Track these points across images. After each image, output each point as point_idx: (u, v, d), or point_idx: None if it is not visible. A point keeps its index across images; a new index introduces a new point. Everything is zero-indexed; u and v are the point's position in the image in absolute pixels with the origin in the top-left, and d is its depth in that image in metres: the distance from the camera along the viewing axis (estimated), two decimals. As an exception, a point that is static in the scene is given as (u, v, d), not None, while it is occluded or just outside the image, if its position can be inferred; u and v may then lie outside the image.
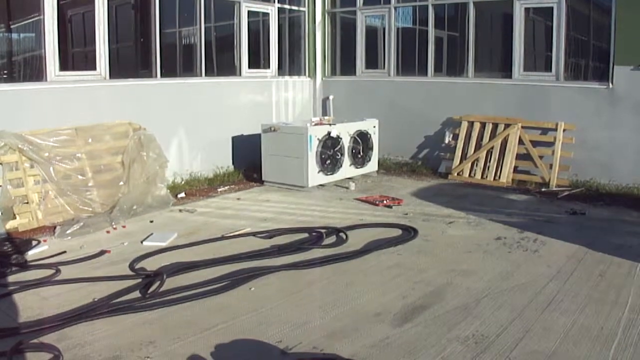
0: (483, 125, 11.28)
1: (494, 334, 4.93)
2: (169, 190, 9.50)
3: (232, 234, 7.74)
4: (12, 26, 9.26)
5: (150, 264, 6.59)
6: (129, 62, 10.71)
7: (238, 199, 9.91)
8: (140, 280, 6.09)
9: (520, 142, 10.80)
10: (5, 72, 9.05)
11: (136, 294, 5.76)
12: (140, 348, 4.75)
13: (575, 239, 7.42)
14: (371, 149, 11.43)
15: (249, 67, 12.11)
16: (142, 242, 7.43)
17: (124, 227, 8.14)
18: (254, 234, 7.74)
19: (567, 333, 4.94)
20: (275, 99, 12.66)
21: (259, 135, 10.80)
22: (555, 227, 8.06)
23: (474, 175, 11.14)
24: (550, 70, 10.77)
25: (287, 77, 13.03)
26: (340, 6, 13.54)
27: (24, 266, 6.53)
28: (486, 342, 4.80)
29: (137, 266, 6.53)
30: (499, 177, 10.83)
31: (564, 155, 10.41)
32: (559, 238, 7.49)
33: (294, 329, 5.08)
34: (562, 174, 10.44)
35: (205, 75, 11.23)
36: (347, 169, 10.97)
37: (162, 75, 10.40)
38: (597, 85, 10.30)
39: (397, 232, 7.85)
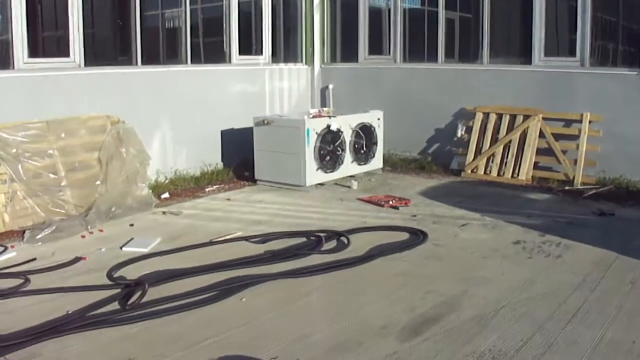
0: (500, 116, 11.28)
1: (513, 349, 4.91)
2: (151, 191, 9.49)
3: (221, 239, 7.74)
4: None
5: (131, 272, 6.57)
6: (106, 48, 10.69)
7: (228, 199, 9.91)
8: (119, 290, 6.07)
9: (541, 135, 10.80)
10: (-33, 59, 9.05)
11: (115, 306, 5.74)
12: (119, 366, 4.75)
13: (603, 243, 7.40)
14: (375, 143, 11.43)
15: (240, 53, 12.09)
16: (121, 248, 7.41)
17: (101, 231, 8.13)
18: (245, 239, 7.74)
19: (595, 348, 4.92)
20: (269, 89, 12.66)
21: (251, 129, 10.80)
22: (580, 229, 8.05)
23: (490, 172, 11.14)
24: (575, 55, 10.76)
25: (281, 65, 13.02)
26: (340, -15, 13.58)
27: (-10, 275, 6.52)
28: (504, 359, 4.78)
29: (116, 275, 6.50)
30: (518, 175, 10.82)
31: (589, 150, 10.40)
32: (585, 242, 7.48)
33: (291, 343, 5.06)
34: (588, 171, 10.44)
35: (191, 62, 11.21)
36: (348, 166, 10.97)
37: (143, 63, 10.38)
38: (626, 72, 10.28)
39: (405, 235, 7.85)
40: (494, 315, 5.52)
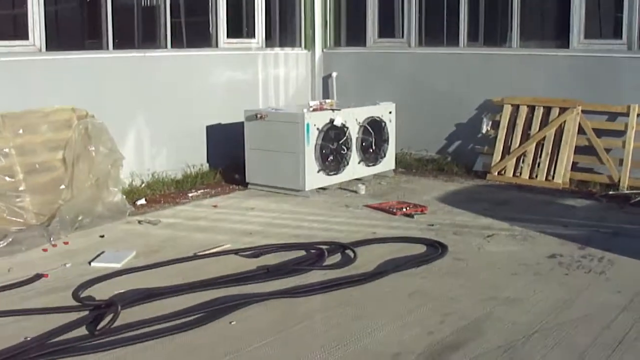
0: (532, 109, 11.28)
1: (548, 382, 4.91)
2: (124, 196, 9.50)
3: (207, 252, 7.74)
4: None
5: (101, 292, 6.56)
6: (72, 30, 10.71)
7: (215, 206, 9.93)
8: (87, 312, 6.06)
9: (581, 131, 10.81)
10: None
11: (82, 331, 5.72)
12: (86, 401, 4.75)
13: (653, 257, 7.44)
14: (386, 141, 11.45)
15: (228, 36, 12.11)
16: (89, 263, 7.42)
17: (65, 243, 8.14)
18: (235, 252, 7.75)
19: (644, 380, 4.93)
20: (262, 77, 12.68)
21: (242, 124, 10.84)
22: (627, 241, 8.06)
23: (521, 174, 11.15)
24: (620, 37, 10.78)
25: (277, 49, 13.05)
26: (345, -44, 13.61)
27: None
28: (538, 392, 4.79)
29: (83, 294, 6.49)
30: (553, 177, 10.83)
31: (638, 148, 10.42)
32: (633, 256, 7.48)
33: (287, 375, 5.07)
34: (636, 173, 10.45)
35: (172, 46, 11.24)
36: (355, 168, 11.00)
37: (115, 47, 10.39)
38: (683, 56, 10.32)
39: (421, 248, 7.86)
40: (525, 342, 5.51)
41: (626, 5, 10.60)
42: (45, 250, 7.89)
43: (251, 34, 12.60)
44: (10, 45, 9.30)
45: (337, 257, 7.58)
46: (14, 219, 8.42)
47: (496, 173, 11.34)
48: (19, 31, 9.46)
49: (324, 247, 7.78)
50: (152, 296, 6.41)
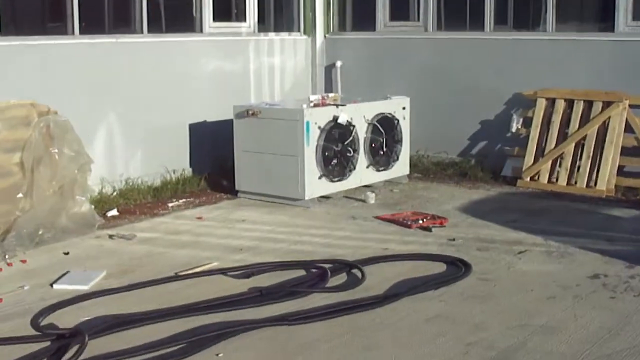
0: (570, 103, 11.29)
1: None
2: (93, 206, 9.52)
3: (190, 272, 7.74)
4: None
5: (65, 319, 6.55)
6: (31, 11, 10.72)
7: (199, 218, 9.95)
8: (49, 343, 6.05)
9: (628, 128, 10.81)
10: None
11: (42, 365, 5.74)
12: None
13: None
14: (399, 142, 11.48)
15: (215, 19, 12.16)
16: (51, 285, 7.41)
17: (23, 261, 8.14)
18: (223, 272, 7.75)
19: None
20: (255, 67, 12.72)
21: (231, 122, 10.86)
22: (683, 258, 8.06)
23: (557, 180, 11.15)
24: (675, 19, 10.81)
25: (272, 35, 13.09)
26: None
27: None
28: None
29: (44, 322, 6.48)
30: (595, 183, 10.83)
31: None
32: (690, 276, 7.49)
33: (284, 417, 5.06)
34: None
35: (149, 31, 11.27)
36: (363, 173, 11.03)
37: (81, 32, 10.42)
38: None
39: (440, 267, 7.86)
40: (564, 376, 5.51)
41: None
42: (0, 269, 7.93)
43: (241, 17, 12.63)
44: (-42, 30, 9.36)
45: (342, 278, 7.57)
46: (-37, 233, 8.46)
47: (528, 179, 11.35)
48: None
49: (326, 265, 7.77)
50: (125, 324, 6.38)
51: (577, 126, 11.13)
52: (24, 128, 9.10)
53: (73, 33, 10.34)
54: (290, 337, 6.21)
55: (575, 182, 10.99)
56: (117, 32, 11.08)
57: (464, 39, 12.45)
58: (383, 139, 11.20)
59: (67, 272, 7.75)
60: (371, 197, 10.67)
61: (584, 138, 11.02)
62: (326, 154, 10.46)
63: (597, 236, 8.83)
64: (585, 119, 11.11)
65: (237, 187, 10.91)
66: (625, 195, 10.69)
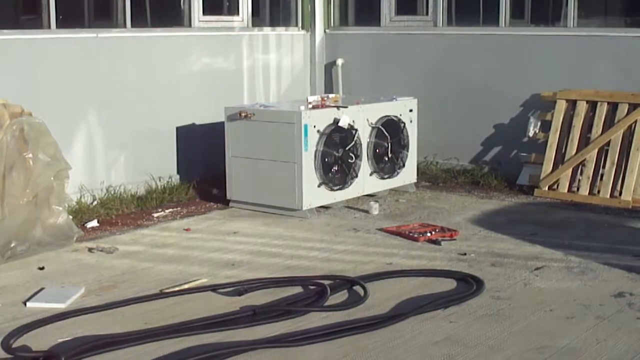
0: (592, 106, 11.28)
1: None
2: (71, 217, 9.50)
3: (176, 289, 7.74)
4: None
5: (39, 340, 6.52)
6: (2, 3, 10.73)
7: (187, 230, 9.95)
8: (20, 366, 6.05)
9: (656, 133, 10.81)
10: None
11: (14, 390, 5.73)
12: None
13: None
14: (406, 147, 11.48)
15: (205, 12, 12.18)
16: (24, 303, 7.39)
17: (-6, 277, 8.14)
18: (213, 288, 7.74)
19: None
20: (248, 65, 12.75)
21: (222, 125, 10.88)
22: None
23: (578, 189, 11.15)
24: None
25: (267, 30, 13.13)
26: None
27: None
28: None
29: (16, 344, 6.45)
30: (620, 193, 10.82)
31: None
32: None
33: None
34: None
35: (133, 25, 11.28)
36: (366, 181, 11.03)
37: (59, 26, 10.43)
38: None
39: (450, 284, 7.85)
40: (585, 405, 5.50)
41: None
42: (-32, 286, 7.91)
43: (234, 11, 12.67)
44: None
45: (342, 296, 7.56)
46: None
47: (546, 188, 11.34)
48: None
49: (326, 282, 7.75)
50: (106, 345, 6.35)
51: (600, 131, 11.12)
52: (-4, 131, 9.12)
53: (49, 27, 10.35)
54: (286, 360, 6.22)
55: (598, 192, 10.98)
56: (98, 27, 11.11)
57: (476, 35, 12.46)
58: (388, 143, 11.21)
59: (42, 288, 7.73)
60: (375, 208, 10.66)
61: (608, 144, 11.01)
62: (326, 160, 10.46)
63: (622, 251, 8.81)
64: (609, 123, 11.10)
65: (228, 196, 10.92)
66: (652, 207, 10.71)
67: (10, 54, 9.90)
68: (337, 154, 10.59)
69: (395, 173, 11.41)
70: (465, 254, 8.80)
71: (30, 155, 9.06)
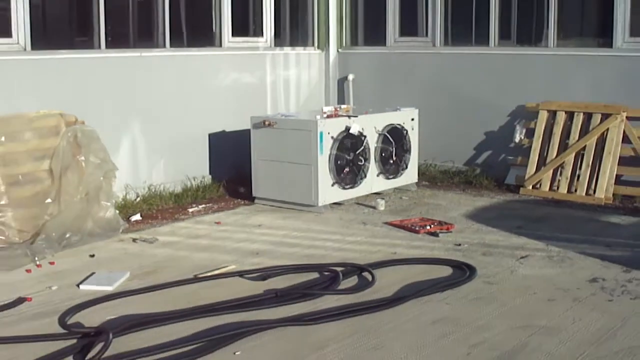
0: (570, 115, 11.25)
1: (589, 422, 4.89)
2: (118, 211, 9.53)
3: (208, 274, 7.73)
4: None
5: (90, 318, 6.55)
6: (60, 27, 10.74)
7: (217, 223, 9.95)
8: (74, 341, 6.05)
9: (626, 139, 10.77)
10: None
11: (69, 361, 5.76)
12: None
13: None
14: (408, 151, 11.45)
15: (234, 34, 12.16)
16: (78, 286, 7.41)
17: (52, 263, 8.14)
18: (240, 274, 7.74)
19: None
20: (271, 80, 12.71)
21: (248, 132, 10.85)
22: (678, 264, 8.03)
23: (558, 188, 11.12)
24: (671, 35, 10.78)
25: (287, 49, 13.08)
26: (363, -55, 13.63)
27: None
28: None
29: (71, 321, 6.48)
30: (594, 192, 10.79)
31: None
32: (685, 280, 7.46)
33: (297, 412, 5.05)
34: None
35: (171, 46, 11.27)
36: (373, 181, 11.01)
37: (108, 46, 10.43)
38: None
39: (446, 271, 7.83)
40: (564, 376, 5.49)
41: (676, 0, 10.61)
42: (28, 271, 7.90)
43: (259, 32, 12.63)
44: (-9, 44, 9.38)
45: (353, 281, 7.56)
46: (-5, 236, 8.48)
47: (530, 187, 11.31)
48: (1, 28, 9.48)
49: (338, 269, 7.75)
50: (148, 323, 6.38)
51: (577, 137, 11.09)
52: (53, 137, 9.13)
53: (100, 47, 10.35)
54: (303, 337, 6.20)
55: (575, 190, 10.95)
56: (141, 47, 11.08)
57: (469, 54, 12.43)
58: (393, 148, 11.17)
59: (93, 273, 7.75)
60: (381, 204, 10.64)
61: (584, 148, 10.98)
62: (339, 162, 10.44)
63: (595, 242, 8.79)
64: (584, 131, 11.07)
65: (254, 194, 10.90)
66: (622, 203, 10.64)
67: (66, 71, 9.90)
68: (348, 157, 10.56)
69: (399, 174, 11.38)
70: (459, 245, 8.78)
71: (83, 158, 9.10)
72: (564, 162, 11.10)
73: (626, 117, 10.76)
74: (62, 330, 6.30)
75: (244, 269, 7.89)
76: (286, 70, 12.95)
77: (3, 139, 8.78)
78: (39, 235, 8.57)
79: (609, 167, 10.75)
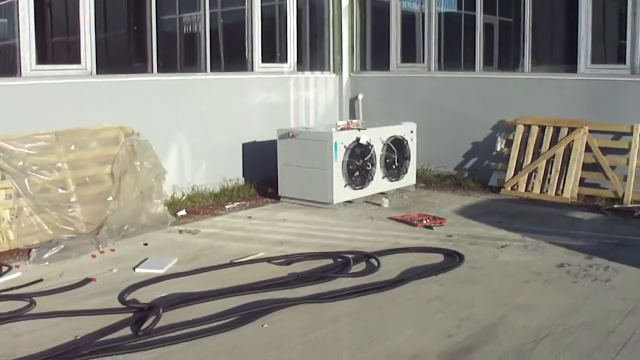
0: (542, 129, 11.22)
1: (557, 383, 4.87)
2: (167, 207, 9.54)
3: (241, 260, 7.74)
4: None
5: (144, 295, 6.58)
6: (120, 55, 10.78)
7: (249, 217, 9.93)
8: (131, 314, 6.09)
9: (588, 149, 10.72)
10: (-29, 65, 9.15)
11: (127, 331, 5.75)
12: (130, 396, 4.76)
13: (656, 267, 7.37)
14: (408, 158, 11.42)
15: (263, 61, 12.14)
16: (134, 269, 7.44)
17: (112, 250, 8.17)
18: (268, 260, 7.74)
19: (647, 381, 4.87)
20: (294, 99, 12.70)
21: (275, 142, 10.84)
22: (630, 252, 7.96)
23: (532, 189, 11.08)
24: (624, 62, 10.70)
25: (307, 73, 13.07)
26: (371, -13, 13.61)
27: (-7, 297, 6.58)
28: (547, 392, 4.74)
29: (128, 298, 6.52)
30: (562, 192, 10.75)
31: (641, 165, 10.34)
32: (636, 265, 7.39)
33: (315, 374, 5.05)
34: (639, 187, 10.34)
35: (211, 70, 11.28)
36: (379, 183, 10.97)
37: (159, 71, 10.46)
38: (682, 81, 10.24)
39: (439, 257, 7.81)
40: (535, 345, 5.46)
41: (629, 32, 10.54)
42: (94, 256, 7.93)
43: (284, 59, 12.63)
44: (64, 69, 9.37)
45: (362, 266, 7.54)
46: (66, 227, 8.48)
47: (509, 188, 11.26)
48: (72, 56, 9.53)
49: (349, 256, 7.74)
50: (191, 300, 6.41)
51: (548, 147, 11.04)
52: (114, 146, 9.16)
53: (152, 71, 10.37)
54: (320, 312, 6.22)
55: (546, 191, 10.90)
56: (186, 71, 11.10)
57: (459, 77, 12.39)
58: (395, 156, 11.13)
59: (146, 259, 7.77)
60: (385, 202, 10.62)
61: (553, 156, 10.92)
62: (350, 167, 10.42)
63: (563, 234, 8.75)
64: (554, 141, 11.01)
65: (279, 193, 10.87)
66: (585, 202, 10.57)
67: (125, 91, 9.92)
68: (358, 163, 10.53)
69: (400, 177, 11.33)
70: (450, 236, 8.75)
71: (138, 163, 9.11)
72: (537, 168, 11.06)
73: (588, 130, 10.71)
74: (121, 306, 6.34)
75: (271, 255, 7.89)
76: (306, 91, 12.94)
77: (73, 147, 8.82)
78: (102, 227, 8.60)
79: (574, 172, 10.70)
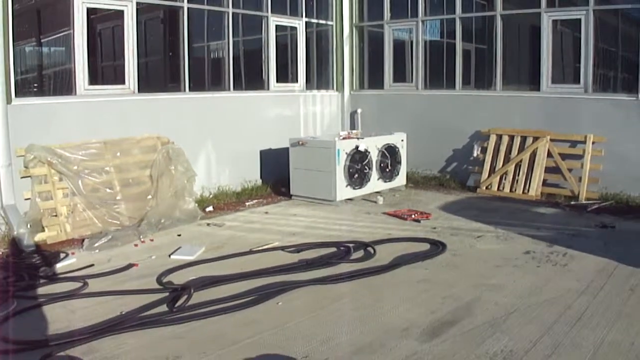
0: (511, 138, 11.20)
1: (523, 350, 4.86)
2: (196, 204, 9.53)
3: (259, 248, 7.74)
4: (42, 40, 9.38)
5: (178, 278, 6.60)
6: (158, 76, 10.78)
7: (266, 213, 9.92)
8: (167, 294, 6.10)
9: (549, 155, 10.70)
10: (35, 85, 9.15)
11: (163, 308, 5.77)
12: (167, 362, 4.76)
13: (604, 253, 7.31)
14: (399, 162, 11.40)
15: (277, 81, 12.14)
16: (169, 256, 7.45)
17: (151, 240, 8.18)
18: (281, 248, 7.74)
19: (597, 349, 4.86)
20: (303, 113, 12.68)
21: (287, 149, 10.81)
22: (584, 240, 7.95)
23: (503, 188, 11.06)
24: (579, 82, 10.67)
25: (315, 91, 13.05)
26: (367, 20, 13.54)
27: (52, 279, 6.59)
28: (515, 359, 4.74)
29: (165, 280, 6.54)
30: (528, 191, 10.74)
31: (593, 168, 10.29)
32: (589, 252, 7.39)
33: (321, 344, 5.05)
34: (592, 187, 10.32)
35: (234, 89, 11.28)
36: (375, 183, 10.95)
37: (190, 89, 10.46)
38: (625, 97, 10.18)
39: (426, 246, 7.80)
40: (506, 319, 5.47)
41: (583, 58, 10.54)
42: (136, 245, 7.95)
43: (295, 80, 12.62)
44: (111, 89, 9.38)
45: (360, 253, 7.54)
46: (113, 221, 8.51)
47: (484, 188, 11.23)
48: (118, 78, 9.55)
49: (350, 245, 7.74)
50: (217, 282, 6.42)
51: (516, 153, 11.01)
52: (152, 153, 9.18)
53: (185, 90, 10.38)
54: (326, 292, 6.22)
55: (515, 190, 10.88)
56: (213, 90, 11.10)
57: (442, 95, 12.34)
58: (388, 160, 11.11)
59: (180, 247, 7.78)
60: (380, 200, 10.59)
61: (521, 161, 10.89)
62: (350, 170, 10.41)
63: (529, 226, 8.74)
64: (521, 148, 10.98)
65: (291, 192, 10.84)
66: (547, 199, 10.54)
67: (162, 107, 9.92)
68: (357, 167, 10.52)
69: (393, 178, 11.29)
70: (435, 228, 8.72)
71: (173, 167, 9.13)
72: (507, 170, 11.03)
73: (549, 139, 10.70)
74: (158, 287, 6.37)
75: (284, 245, 7.89)
76: (314, 106, 12.92)
77: (119, 154, 8.86)
78: (142, 221, 8.62)
79: (538, 174, 10.68)
